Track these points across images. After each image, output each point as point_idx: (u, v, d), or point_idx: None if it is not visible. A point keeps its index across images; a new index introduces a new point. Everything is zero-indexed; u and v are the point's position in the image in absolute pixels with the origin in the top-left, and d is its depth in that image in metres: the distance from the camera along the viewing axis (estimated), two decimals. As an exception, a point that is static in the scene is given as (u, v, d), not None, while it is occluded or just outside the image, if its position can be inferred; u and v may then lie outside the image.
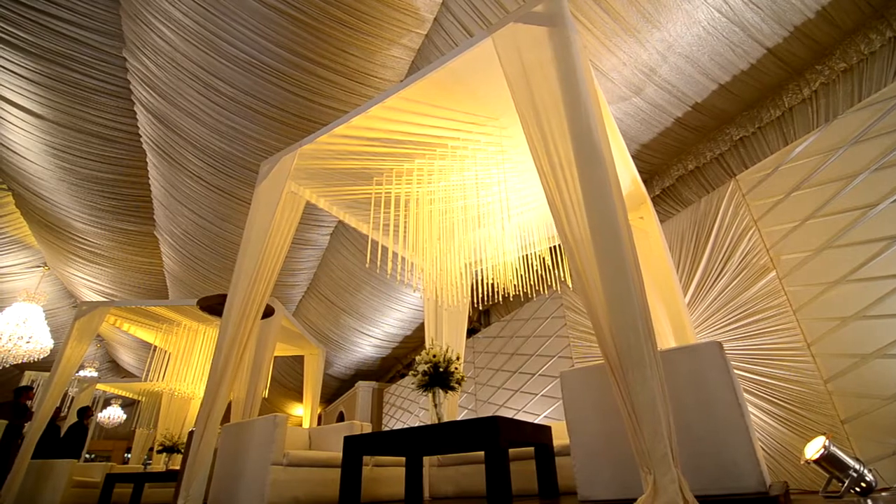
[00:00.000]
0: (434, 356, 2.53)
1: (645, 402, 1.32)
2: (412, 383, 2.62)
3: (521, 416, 5.32)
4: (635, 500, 1.35)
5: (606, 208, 1.61)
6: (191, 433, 3.84)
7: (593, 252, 1.58)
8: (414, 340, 9.53)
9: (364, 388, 10.30)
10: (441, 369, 2.51)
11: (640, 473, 1.30)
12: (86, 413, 7.12)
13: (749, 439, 1.50)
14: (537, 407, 5.23)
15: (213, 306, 3.80)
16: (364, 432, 3.34)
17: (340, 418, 11.27)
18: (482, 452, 3.29)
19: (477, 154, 3.20)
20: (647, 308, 1.47)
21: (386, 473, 3.39)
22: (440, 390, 2.53)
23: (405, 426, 8.66)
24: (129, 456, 13.09)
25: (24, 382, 9.96)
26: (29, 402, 6.15)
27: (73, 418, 7.41)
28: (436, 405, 2.51)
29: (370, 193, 3.44)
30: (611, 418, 1.75)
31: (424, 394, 2.61)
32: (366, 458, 3.20)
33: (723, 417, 1.57)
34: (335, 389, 11.89)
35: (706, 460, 1.54)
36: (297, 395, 11.62)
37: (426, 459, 3.59)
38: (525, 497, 2.71)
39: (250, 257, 2.98)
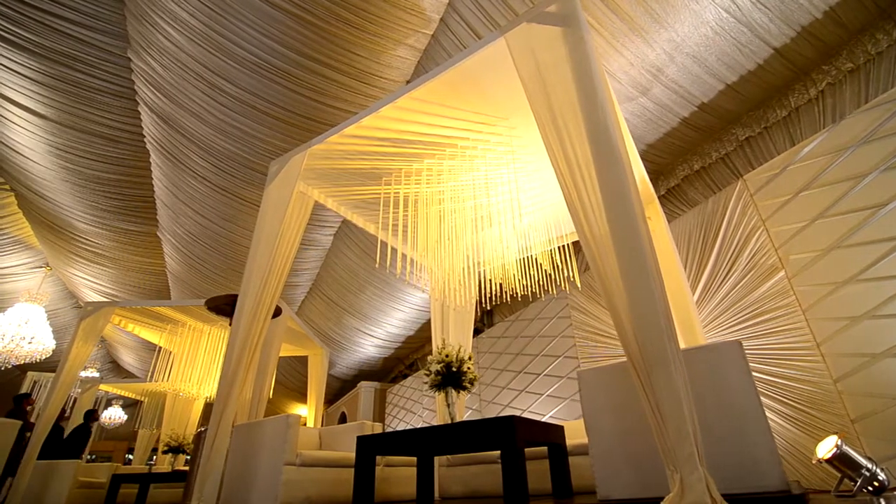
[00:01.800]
0: (447, 356, 2.53)
1: (670, 401, 1.33)
2: (425, 383, 2.62)
3: (526, 416, 5.32)
4: (655, 498, 1.35)
5: (626, 207, 1.62)
6: (197, 434, 3.85)
7: (614, 251, 1.59)
8: (416, 341, 9.53)
9: (366, 389, 10.29)
10: (454, 369, 2.51)
11: (667, 472, 1.31)
12: (91, 416, 7.15)
13: (770, 439, 1.51)
14: (543, 407, 5.23)
15: (221, 306, 3.80)
16: (375, 433, 3.34)
17: (342, 419, 11.26)
18: (491, 452, 3.31)
19: (486, 154, 3.21)
20: (668, 306, 1.48)
21: (396, 474, 3.39)
22: (453, 390, 2.53)
23: (409, 427, 8.66)
24: (131, 457, 13.07)
25: (26, 383, 9.95)
26: (30, 409, 6.18)
27: (76, 419, 7.41)
28: (448, 405, 2.51)
29: (379, 193, 3.44)
30: (629, 417, 1.76)
31: (436, 393, 2.61)
32: (377, 459, 3.19)
33: (744, 417, 1.58)
34: (337, 390, 11.89)
35: (728, 459, 1.55)
36: (299, 396, 11.61)
37: (435, 459, 3.59)
38: (540, 497, 2.71)
39: (261, 258, 2.98)
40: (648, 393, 1.38)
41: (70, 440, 6.62)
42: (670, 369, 1.36)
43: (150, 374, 6.03)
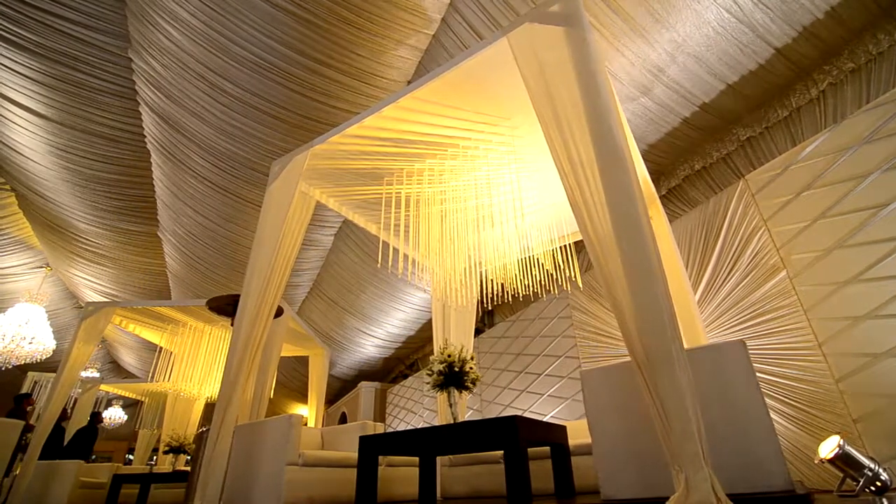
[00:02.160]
0: (449, 356, 2.53)
1: (674, 400, 1.33)
2: (426, 383, 2.62)
3: (527, 416, 5.32)
4: (660, 498, 1.35)
5: (630, 207, 1.62)
6: (198, 434, 3.84)
7: (617, 250, 1.59)
8: (417, 341, 9.53)
9: (367, 389, 10.29)
10: (456, 369, 2.51)
11: (672, 472, 1.31)
12: (96, 418, 7.20)
13: (775, 438, 1.51)
14: (544, 407, 5.23)
15: (222, 306, 3.80)
16: (377, 433, 3.34)
17: (343, 419, 11.26)
18: (493, 452, 3.31)
19: (488, 154, 3.21)
20: (672, 306, 1.48)
21: (398, 474, 3.39)
22: (455, 390, 2.53)
23: (409, 427, 8.66)
24: (132, 457, 13.06)
25: (27, 383, 9.95)
26: (30, 409, 6.19)
27: (76, 419, 7.42)
28: (451, 405, 2.51)
29: (380, 193, 3.44)
30: (633, 417, 1.76)
31: (438, 393, 2.61)
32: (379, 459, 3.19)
33: (748, 417, 1.58)
34: (338, 390, 11.88)
35: (732, 459, 1.55)
36: (299, 396, 11.61)
37: (437, 460, 3.59)
38: (542, 497, 2.71)
39: (263, 258, 2.98)
40: (653, 392, 1.38)
41: (76, 441, 6.63)
42: (674, 368, 1.36)
43: (150, 374, 6.03)
